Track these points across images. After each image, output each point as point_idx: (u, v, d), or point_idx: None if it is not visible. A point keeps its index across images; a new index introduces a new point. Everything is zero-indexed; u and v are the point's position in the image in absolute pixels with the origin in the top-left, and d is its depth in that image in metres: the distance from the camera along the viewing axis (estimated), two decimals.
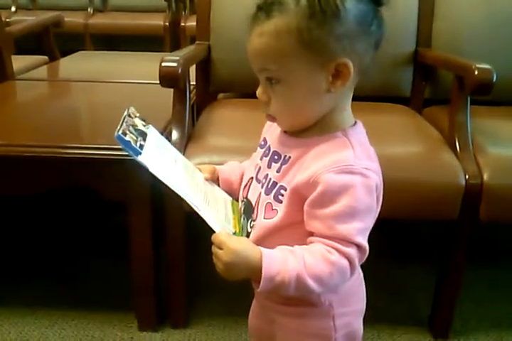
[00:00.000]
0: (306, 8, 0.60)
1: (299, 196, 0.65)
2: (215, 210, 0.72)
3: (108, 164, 1.07)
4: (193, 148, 1.15)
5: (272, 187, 0.68)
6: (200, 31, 1.56)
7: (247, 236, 0.71)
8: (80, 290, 1.40)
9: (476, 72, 1.12)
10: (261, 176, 0.72)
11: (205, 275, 1.46)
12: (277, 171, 0.69)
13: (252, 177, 0.74)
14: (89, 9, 3.82)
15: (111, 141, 1.11)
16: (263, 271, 0.61)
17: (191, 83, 1.29)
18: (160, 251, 1.18)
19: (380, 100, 1.50)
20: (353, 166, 0.62)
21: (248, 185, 0.75)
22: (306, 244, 0.64)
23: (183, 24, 3.60)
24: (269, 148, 0.73)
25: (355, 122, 0.69)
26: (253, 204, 0.72)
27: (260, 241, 0.67)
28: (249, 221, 0.72)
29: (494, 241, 1.68)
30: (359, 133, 0.68)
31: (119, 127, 0.69)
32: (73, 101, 1.57)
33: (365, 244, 0.63)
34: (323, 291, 0.64)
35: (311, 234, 0.65)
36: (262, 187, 0.71)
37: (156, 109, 1.38)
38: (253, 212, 0.71)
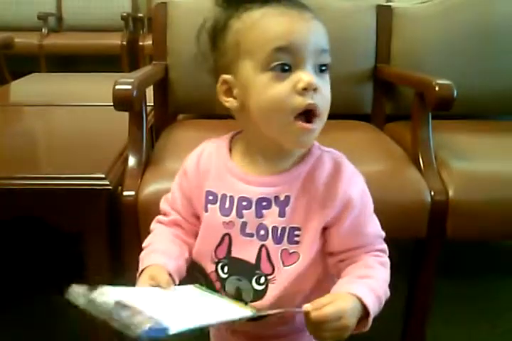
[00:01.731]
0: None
1: (323, 227, 0.65)
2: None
3: (59, 194, 1.01)
4: (151, 173, 1.10)
5: (281, 234, 0.65)
6: (156, 51, 1.52)
7: (260, 294, 0.66)
8: (34, 328, 1.31)
9: (437, 88, 1.11)
10: (251, 229, 0.66)
11: None
12: (281, 216, 0.64)
13: (227, 234, 0.67)
14: (43, 29, 3.72)
15: (62, 170, 1.08)
16: (371, 313, 0.61)
17: (148, 104, 1.26)
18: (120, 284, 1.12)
19: (341, 117, 1.48)
20: (354, 171, 0.67)
21: (226, 244, 0.68)
22: (327, 273, 0.68)
23: (141, 43, 3.58)
24: (244, 199, 0.66)
25: None
26: (250, 260, 0.66)
27: (290, 289, 0.65)
28: (254, 278, 0.67)
29: (463, 257, 1.67)
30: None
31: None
32: (23, 127, 1.50)
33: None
34: None
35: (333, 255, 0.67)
36: (262, 239, 0.65)
37: (112, 133, 1.34)
38: (259, 268, 0.66)
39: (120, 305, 0.54)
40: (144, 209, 1.01)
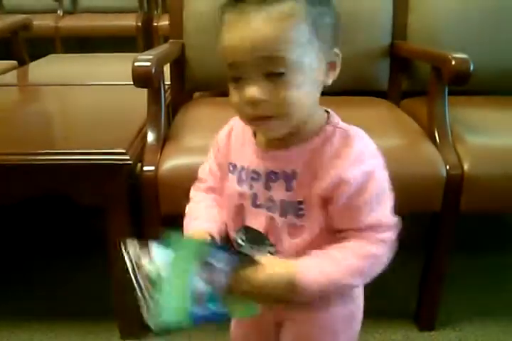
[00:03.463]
0: None
1: (322, 200, 0.64)
2: None
3: (82, 169, 1.04)
4: (169, 149, 1.13)
5: (287, 207, 0.65)
6: (173, 29, 1.53)
7: None
8: (58, 300, 1.36)
9: (453, 62, 1.11)
10: (261, 201, 0.68)
11: None
12: (288, 189, 0.65)
13: (241, 204, 0.70)
14: (58, 11, 3.73)
15: (84, 146, 1.10)
16: (299, 283, 0.61)
17: (166, 83, 1.27)
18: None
19: (357, 94, 1.49)
20: (365, 151, 0.64)
21: (241, 214, 0.70)
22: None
23: (155, 24, 3.56)
24: (254, 172, 0.68)
25: (326, 110, 0.68)
26: (261, 230, 0.68)
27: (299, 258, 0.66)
28: (264, 248, 0.69)
29: (476, 231, 1.68)
30: (339, 119, 0.67)
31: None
32: (44, 106, 1.53)
33: (395, 219, 0.65)
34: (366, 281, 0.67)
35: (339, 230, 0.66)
36: (270, 211, 0.67)
37: (131, 110, 1.36)
38: (267, 239, 0.68)
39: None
40: (164, 183, 1.03)
